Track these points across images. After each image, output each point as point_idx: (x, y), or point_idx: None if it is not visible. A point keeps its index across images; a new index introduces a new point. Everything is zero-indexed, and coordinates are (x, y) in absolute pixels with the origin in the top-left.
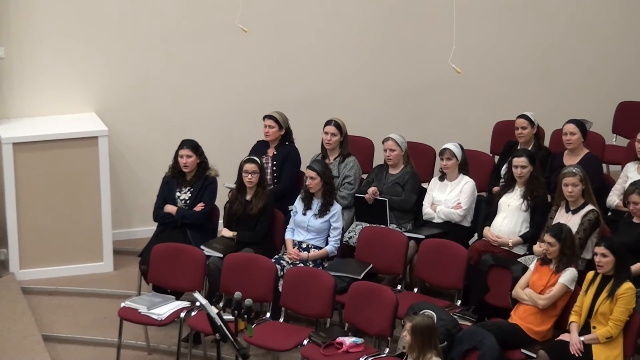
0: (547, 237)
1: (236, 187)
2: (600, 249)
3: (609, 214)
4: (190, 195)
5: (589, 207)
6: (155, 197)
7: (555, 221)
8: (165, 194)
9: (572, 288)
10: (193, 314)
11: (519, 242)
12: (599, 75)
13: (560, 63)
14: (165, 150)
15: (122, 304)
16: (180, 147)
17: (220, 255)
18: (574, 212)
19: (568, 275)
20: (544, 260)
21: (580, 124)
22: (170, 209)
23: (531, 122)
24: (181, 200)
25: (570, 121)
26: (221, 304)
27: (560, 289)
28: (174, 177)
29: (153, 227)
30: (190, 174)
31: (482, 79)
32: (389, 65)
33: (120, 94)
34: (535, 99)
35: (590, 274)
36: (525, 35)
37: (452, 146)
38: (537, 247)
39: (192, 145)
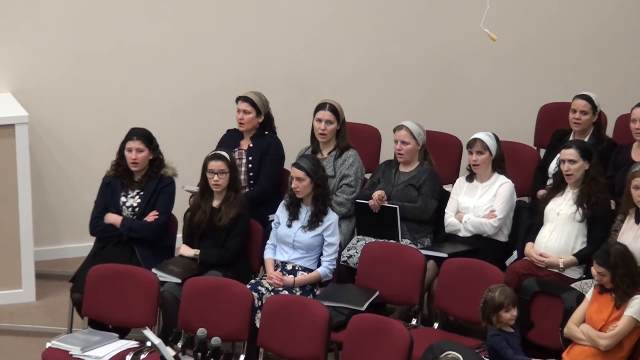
0: (595, 267)
1: (199, 191)
2: None
3: None
4: (139, 200)
5: None
6: (93, 203)
7: (621, 235)
8: (107, 199)
9: None
10: (143, 357)
11: (572, 263)
12: None
13: (628, 29)
14: (106, 142)
15: (48, 344)
16: (129, 137)
17: (179, 280)
18: None
19: (637, 305)
20: (603, 288)
21: None
22: (112, 219)
23: (593, 106)
24: (127, 207)
25: None
26: (180, 344)
27: (628, 324)
28: (118, 177)
29: (90, 242)
30: (139, 173)
31: (524, 49)
32: (401, 30)
33: (46, 70)
34: (596, 76)
35: None
36: None
37: (484, 136)
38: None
39: (144, 136)
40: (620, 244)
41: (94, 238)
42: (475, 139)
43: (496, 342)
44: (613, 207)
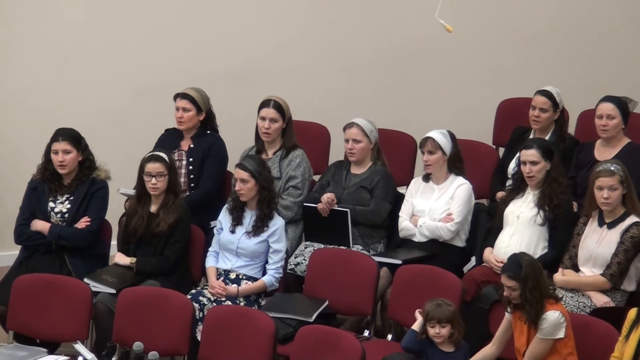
0: (505, 280)
1: (136, 195)
2: None
3: None
4: (69, 206)
5: (632, 218)
6: (18, 209)
7: (584, 238)
8: (33, 204)
9: (562, 334)
10: None
11: None
12: None
13: (594, 20)
14: (33, 142)
15: None
16: (54, 139)
17: (113, 290)
18: (611, 225)
19: (546, 325)
20: (517, 306)
21: (621, 104)
22: (40, 226)
23: (554, 103)
24: (56, 213)
25: (606, 99)
26: (114, 359)
27: (541, 347)
28: (46, 182)
29: (15, 251)
30: (69, 176)
31: (482, 41)
32: (351, 21)
33: None
34: (557, 69)
35: (633, 313)
36: None
37: (436, 135)
38: (558, 276)
39: (70, 136)
40: (528, 254)
41: (19, 246)
42: (427, 138)
43: (411, 345)
44: (575, 209)
